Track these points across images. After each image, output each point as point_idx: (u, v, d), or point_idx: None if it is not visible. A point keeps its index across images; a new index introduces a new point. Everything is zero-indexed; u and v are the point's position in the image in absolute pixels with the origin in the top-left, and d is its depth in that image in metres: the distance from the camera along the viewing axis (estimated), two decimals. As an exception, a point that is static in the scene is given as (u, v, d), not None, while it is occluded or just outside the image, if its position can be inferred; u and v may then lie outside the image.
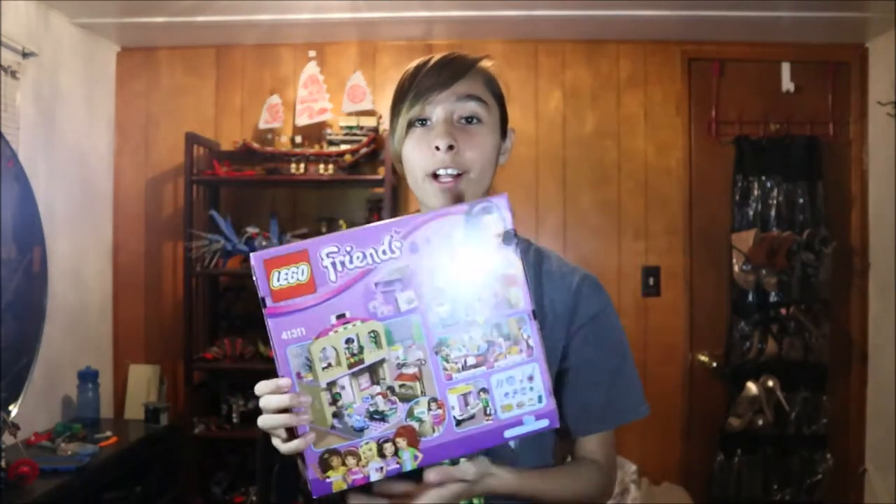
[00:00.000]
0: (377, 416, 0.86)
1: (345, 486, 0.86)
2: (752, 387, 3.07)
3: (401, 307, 0.84)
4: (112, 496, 2.59)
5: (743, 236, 3.10)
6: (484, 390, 0.86)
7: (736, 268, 3.10)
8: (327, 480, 0.86)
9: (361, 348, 0.85)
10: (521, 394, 0.87)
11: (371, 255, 0.83)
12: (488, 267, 0.85)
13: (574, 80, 3.26)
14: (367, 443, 0.86)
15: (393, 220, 0.85)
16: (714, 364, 3.17)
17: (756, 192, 3.15)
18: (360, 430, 0.86)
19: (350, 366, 0.85)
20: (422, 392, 0.86)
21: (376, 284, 0.84)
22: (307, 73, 3.17)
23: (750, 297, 3.12)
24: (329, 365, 0.84)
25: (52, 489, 2.16)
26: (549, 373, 0.88)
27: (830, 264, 3.06)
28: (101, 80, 3.23)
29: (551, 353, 1.00)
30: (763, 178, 3.15)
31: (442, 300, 0.85)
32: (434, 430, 0.86)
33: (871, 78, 3.15)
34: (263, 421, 0.84)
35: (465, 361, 0.86)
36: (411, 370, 0.85)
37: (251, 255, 0.84)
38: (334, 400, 0.85)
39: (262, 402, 0.84)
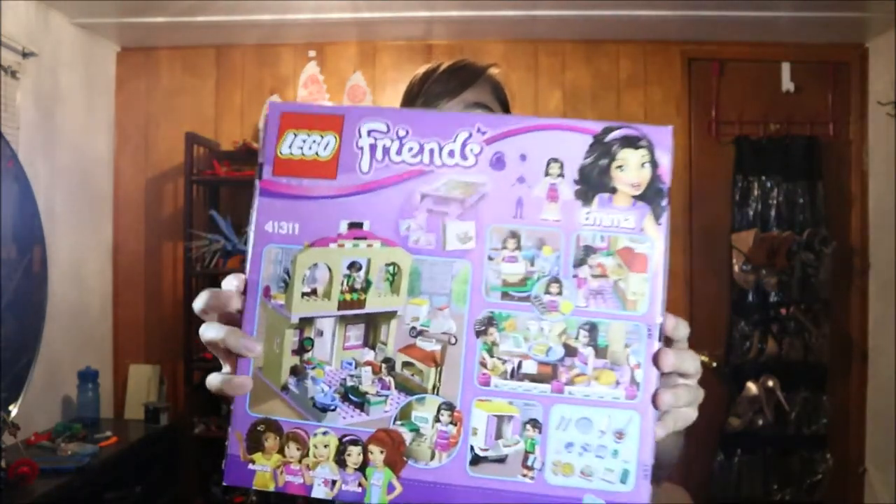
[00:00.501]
0: (354, 396, 0.56)
1: (271, 488, 0.56)
2: (752, 387, 3.07)
3: (448, 242, 0.56)
4: (112, 496, 2.59)
5: (743, 236, 3.10)
6: (534, 424, 0.54)
7: (736, 268, 3.10)
8: (250, 467, 0.56)
9: (368, 284, 0.57)
10: (597, 455, 0.54)
11: (432, 151, 0.57)
12: (605, 229, 0.55)
13: (574, 80, 3.26)
14: (324, 432, 0.56)
15: (480, 113, 0.60)
16: (714, 364, 3.17)
17: (756, 192, 3.15)
18: (322, 410, 0.56)
19: (342, 305, 0.57)
20: (434, 387, 0.55)
21: (423, 197, 0.56)
22: (307, 73, 3.18)
23: (750, 297, 3.12)
24: (313, 292, 0.57)
25: (52, 489, 2.16)
26: (654, 438, 0.55)
27: (830, 264, 3.06)
28: (101, 80, 3.23)
29: None
30: (763, 178, 3.15)
31: (514, 253, 0.55)
32: (433, 458, 0.55)
33: (871, 78, 3.15)
34: (202, 330, 0.62)
35: (520, 365, 0.55)
36: (430, 346, 0.55)
37: (269, 102, 0.63)
38: (302, 347, 0.57)
39: (205, 299, 0.61)
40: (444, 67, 1.01)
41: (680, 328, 0.60)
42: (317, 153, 0.58)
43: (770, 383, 3.06)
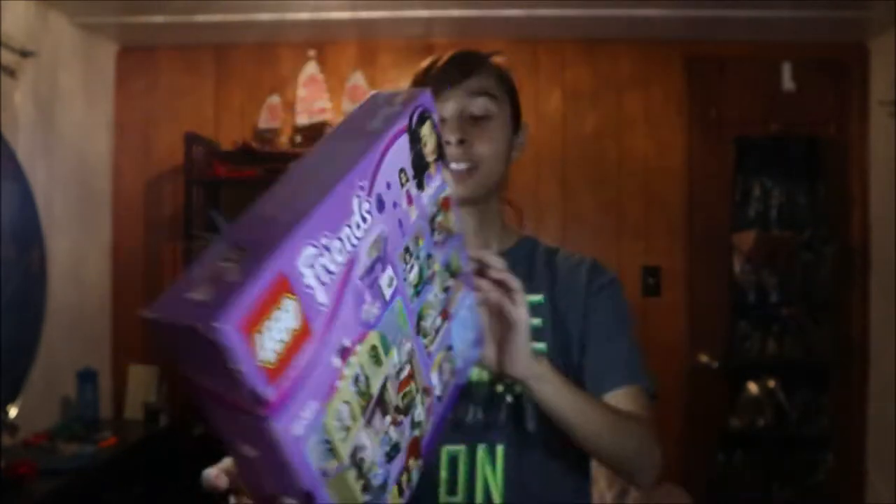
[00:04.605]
0: (394, 453, 0.61)
1: None
2: (752, 387, 3.07)
3: (385, 296, 0.59)
4: (112, 497, 2.59)
5: (743, 236, 3.09)
6: (449, 348, 0.70)
7: (736, 268, 3.10)
8: None
9: (367, 380, 0.56)
10: (465, 326, 0.73)
11: (348, 237, 0.54)
12: (431, 193, 0.66)
13: (574, 80, 3.25)
14: (390, 492, 0.61)
15: (348, 168, 0.56)
16: (714, 364, 3.17)
17: (756, 192, 3.15)
18: (384, 485, 0.60)
19: (363, 410, 0.57)
20: (416, 389, 0.64)
21: (361, 279, 0.56)
22: (307, 73, 3.17)
23: (750, 298, 3.12)
24: (346, 429, 0.54)
25: (52, 489, 2.15)
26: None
27: (831, 264, 3.06)
28: (101, 80, 3.23)
29: (575, 345, 0.98)
30: (763, 178, 3.15)
31: (408, 259, 0.62)
32: (427, 424, 0.67)
33: (872, 77, 3.15)
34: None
35: (436, 324, 0.67)
36: (406, 371, 0.62)
37: (215, 325, 0.45)
38: (360, 471, 0.56)
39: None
40: (448, 57, 1.02)
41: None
42: (289, 328, 0.48)
43: (770, 383, 3.06)
